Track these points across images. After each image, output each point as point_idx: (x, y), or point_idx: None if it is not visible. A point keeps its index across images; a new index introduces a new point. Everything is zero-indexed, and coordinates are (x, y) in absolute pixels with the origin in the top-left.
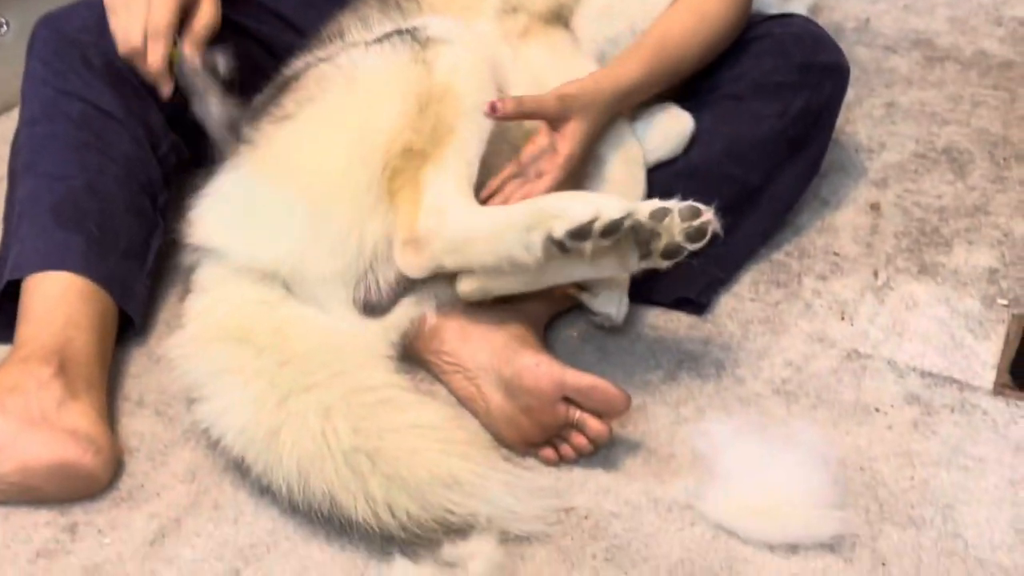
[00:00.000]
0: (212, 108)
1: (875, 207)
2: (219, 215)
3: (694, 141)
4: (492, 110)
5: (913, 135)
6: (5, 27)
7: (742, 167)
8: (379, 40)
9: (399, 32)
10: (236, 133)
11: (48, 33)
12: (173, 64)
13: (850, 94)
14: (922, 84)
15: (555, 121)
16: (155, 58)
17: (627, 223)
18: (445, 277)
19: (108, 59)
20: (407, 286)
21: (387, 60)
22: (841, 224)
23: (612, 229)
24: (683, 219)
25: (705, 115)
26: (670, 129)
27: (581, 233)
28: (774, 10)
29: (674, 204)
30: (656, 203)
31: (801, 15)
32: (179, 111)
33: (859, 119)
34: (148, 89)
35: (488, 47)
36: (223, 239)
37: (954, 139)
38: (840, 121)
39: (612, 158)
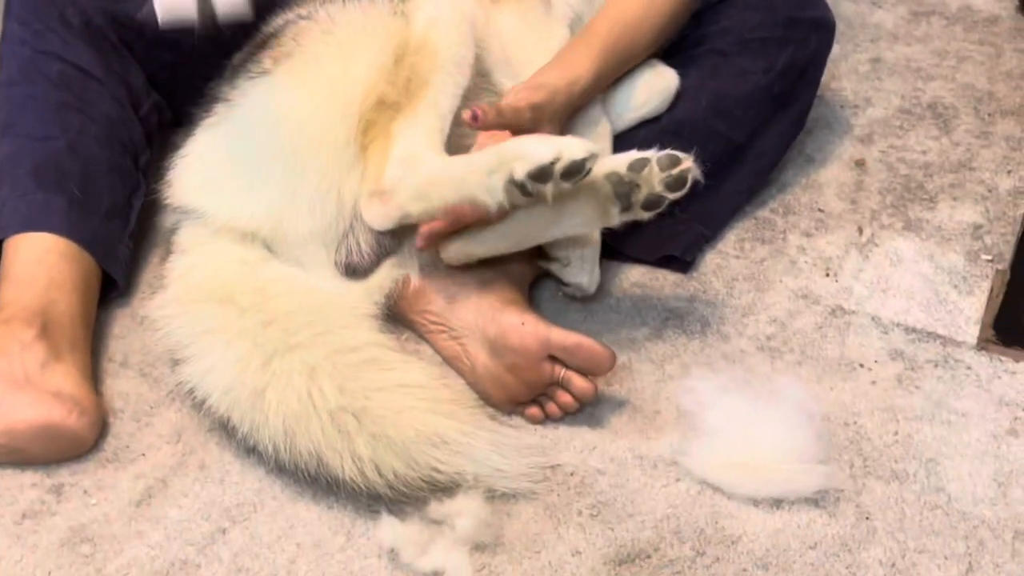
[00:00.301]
0: None
1: (860, 163)
2: (197, 175)
3: (679, 98)
4: (473, 119)
5: (898, 91)
6: None
7: (727, 123)
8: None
9: None
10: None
11: None
12: None
13: (835, 49)
14: (907, 39)
15: (528, 129)
16: None
17: (589, 164)
18: None
19: (87, 18)
20: (389, 248)
21: (365, 12)
22: (826, 180)
23: (574, 171)
24: (662, 168)
25: (691, 71)
26: (655, 86)
27: (542, 174)
28: None
29: (652, 154)
30: (635, 154)
31: None
32: (161, 71)
33: (844, 75)
34: (128, 48)
35: (467, 4)
36: (202, 199)
37: (939, 94)
38: (825, 77)
39: (581, 133)
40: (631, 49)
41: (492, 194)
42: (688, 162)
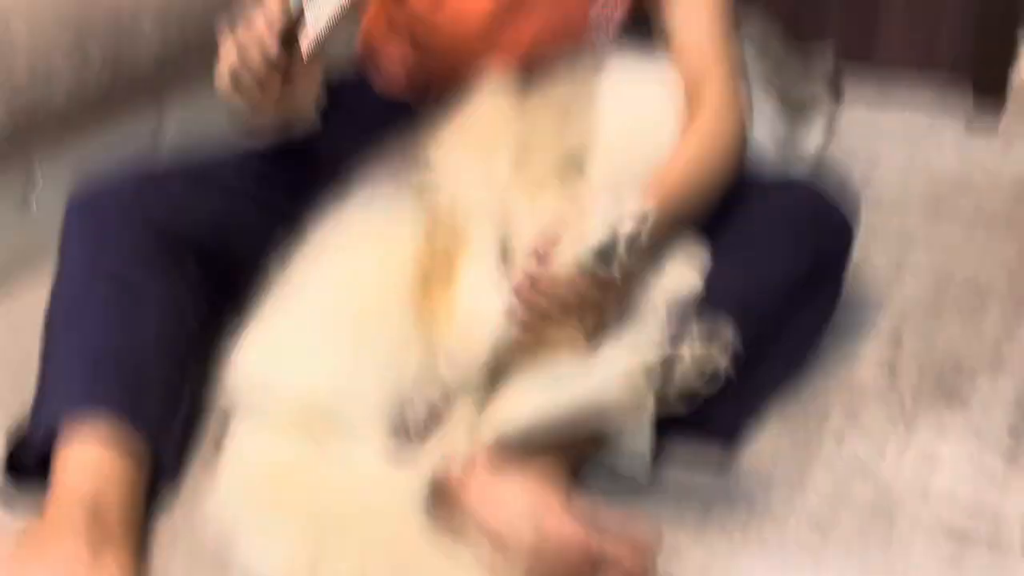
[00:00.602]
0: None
1: (897, 342)
2: (256, 354)
3: (707, 293)
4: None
5: (931, 268)
6: (40, 184)
7: (756, 315)
8: (389, 176)
9: (397, 177)
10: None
11: (80, 207)
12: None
13: (865, 225)
14: (935, 219)
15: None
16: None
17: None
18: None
19: (145, 218)
20: (440, 418)
21: (395, 188)
22: (864, 359)
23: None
24: (695, 361)
25: (720, 254)
26: (682, 279)
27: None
28: (780, 154)
29: (691, 328)
30: (672, 328)
31: (804, 168)
32: (209, 280)
33: (875, 253)
34: (184, 252)
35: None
36: (261, 376)
37: (973, 273)
38: (857, 255)
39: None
40: (675, 213)
41: None
42: (727, 334)
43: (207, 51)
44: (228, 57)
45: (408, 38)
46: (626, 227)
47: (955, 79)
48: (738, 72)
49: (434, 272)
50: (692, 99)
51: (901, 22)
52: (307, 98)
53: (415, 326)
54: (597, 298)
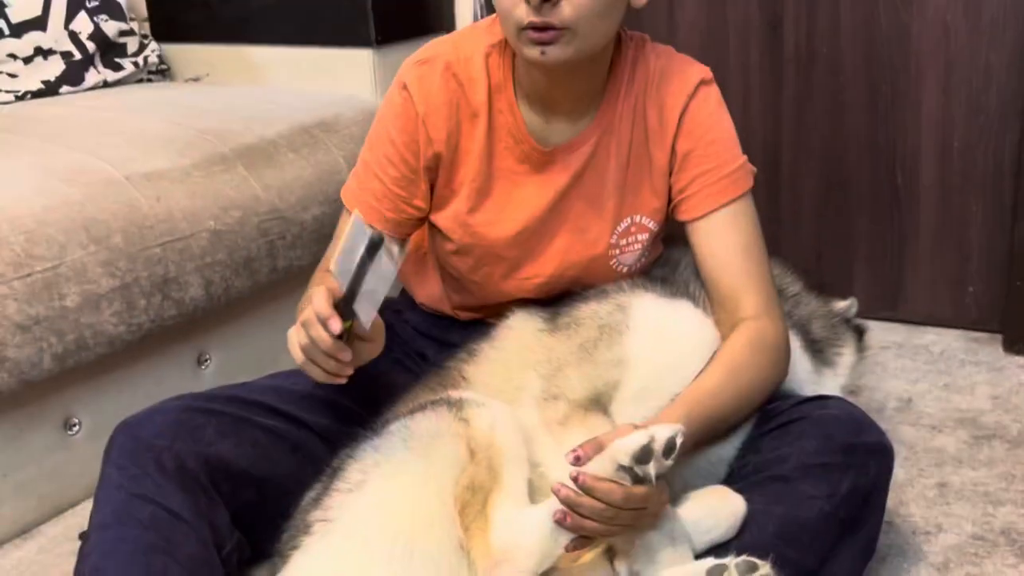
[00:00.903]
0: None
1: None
2: None
3: (746, 523)
4: (576, 459)
5: (969, 516)
6: (77, 426)
7: (796, 549)
8: (421, 407)
9: (434, 401)
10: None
11: (125, 439)
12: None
13: (900, 474)
14: (972, 463)
15: None
16: (330, 332)
17: (679, 439)
18: None
19: (180, 462)
20: None
21: (432, 420)
22: None
23: (670, 447)
24: (741, 572)
25: (755, 497)
26: (721, 510)
27: (644, 454)
28: (808, 390)
29: (730, 560)
30: (713, 561)
31: (837, 395)
32: (248, 512)
33: (912, 500)
34: (216, 489)
35: (512, 415)
36: None
37: (1011, 519)
38: (893, 502)
39: (658, 542)
40: (716, 411)
41: None
42: (766, 568)
43: (246, 298)
44: (299, 337)
45: (445, 267)
46: (663, 432)
47: (983, 331)
48: (774, 286)
49: (470, 508)
50: (729, 314)
51: (926, 280)
52: (374, 350)
53: (454, 559)
54: (636, 500)
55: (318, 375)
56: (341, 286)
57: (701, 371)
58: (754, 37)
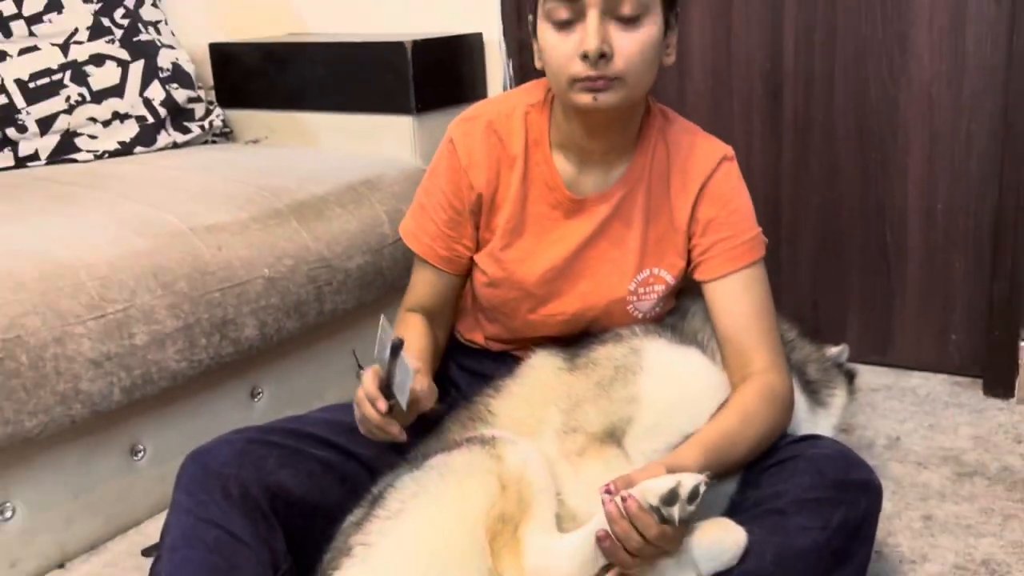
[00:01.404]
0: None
1: None
2: None
3: (747, 553)
4: (607, 491)
5: (952, 547)
6: (142, 452)
7: (794, 570)
8: (457, 444)
9: (469, 440)
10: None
11: (195, 468)
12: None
13: (888, 507)
14: (955, 498)
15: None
16: (376, 412)
17: (702, 488)
18: None
19: (244, 489)
20: None
21: (468, 456)
22: None
23: (694, 494)
24: None
25: (755, 528)
26: (725, 540)
27: (671, 497)
28: (803, 428)
29: None
30: None
31: (829, 436)
32: (298, 536)
33: (899, 531)
34: (275, 514)
35: (541, 453)
36: None
37: (991, 551)
38: (882, 533)
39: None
40: (728, 455)
41: None
42: None
43: (295, 338)
44: (358, 416)
45: (480, 299)
46: (689, 480)
47: (965, 375)
48: (781, 343)
49: (500, 536)
50: (738, 370)
51: (913, 329)
52: (425, 407)
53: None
54: (665, 539)
55: (375, 439)
56: (382, 372)
57: (715, 415)
58: (756, 105)
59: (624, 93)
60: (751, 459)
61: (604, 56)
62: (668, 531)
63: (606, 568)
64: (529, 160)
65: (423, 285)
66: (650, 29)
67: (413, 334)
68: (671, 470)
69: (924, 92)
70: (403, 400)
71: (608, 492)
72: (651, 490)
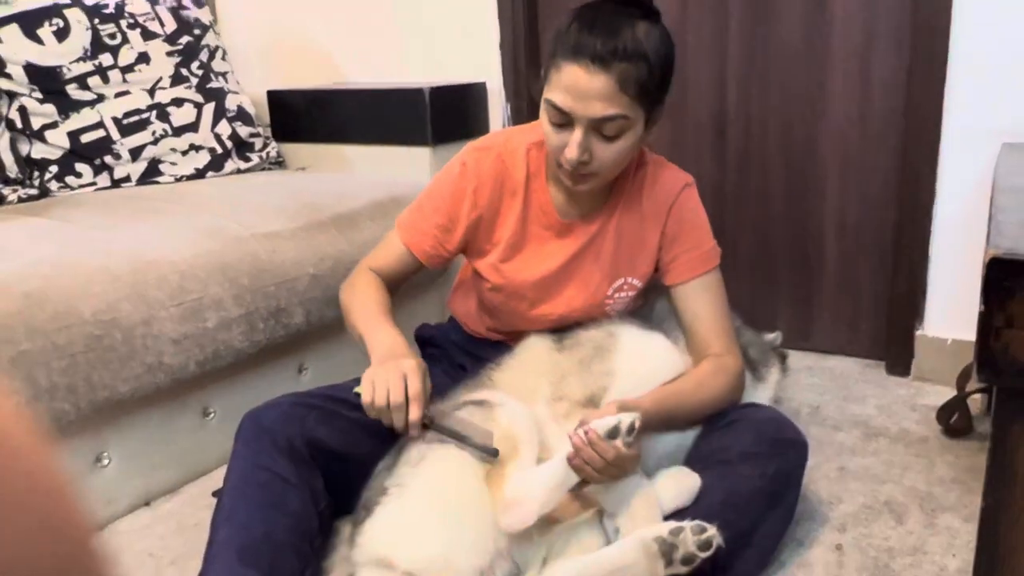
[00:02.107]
0: (469, 437)
1: (839, 547)
2: (384, 533)
3: (700, 495)
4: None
5: (861, 492)
6: (213, 414)
7: (736, 514)
8: (459, 407)
9: (467, 402)
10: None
11: (250, 424)
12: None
13: (811, 460)
14: (863, 453)
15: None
16: (416, 416)
17: (636, 423)
18: None
19: (289, 442)
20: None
21: (470, 418)
22: (814, 560)
23: (631, 427)
24: (694, 533)
25: (706, 476)
26: (682, 484)
27: (615, 431)
28: (746, 398)
29: (687, 523)
30: (673, 523)
31: (766, 404)
32: (335, 480)
33: (819, 480)
34: (315, 460)
35: (527, 411)
36: (388, 550)
37: (892, 494)
38: (806, 480)
39: (636, 503)
40: (678, 407)
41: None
42: (713, 530)
43: (334, 324)
44: (377, 394)
45: (483, 299)
46: (626, 418)
47: (871, 358)
48: (735, 333)
49: (493, 474)
50: (700, 352)
51: (830, 320)
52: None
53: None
54: (620, 459)
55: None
56: (443, 425)
57: (674, 380)
58: (705, 141)
59: (599, 181)
60: (699, 417)
61: (583, 162)
62: (625, 453)
63: (580, 485)
64: (529, 189)
65: (395, 260)
66: (628, 139)
67: (380, 293)
68: (622, 409)
69: (839, 131)
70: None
71: (582, 424)
72: (600, 425)
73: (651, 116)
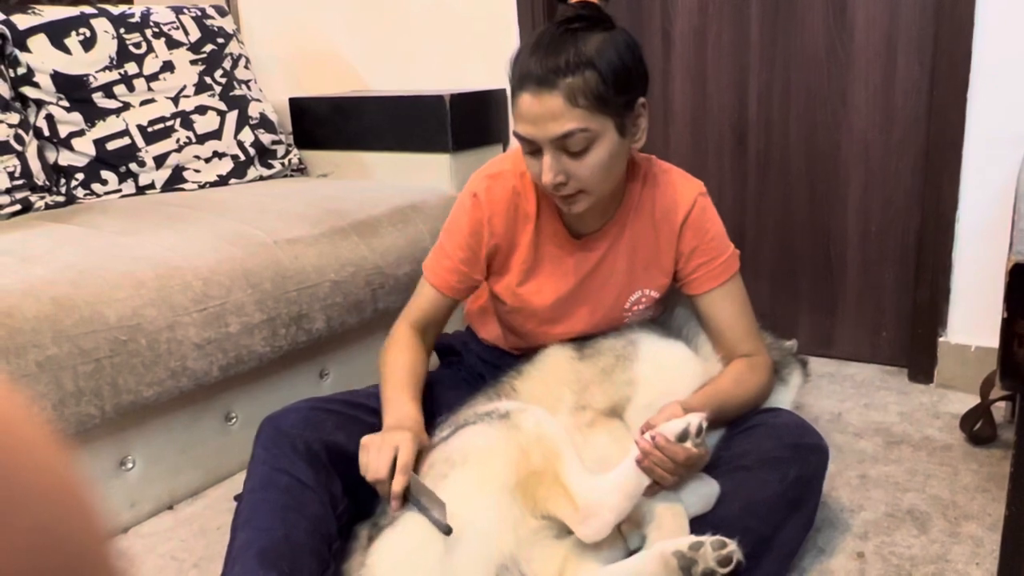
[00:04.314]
0: (429, 510)
1: (860, 555)
2: (388, 555)
3: (720, 501)
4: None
5: (883, 500)
6: (235, 419)
7: (756, 520)
8: (478, 417)
9: (487, 413)
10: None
11: (270, 428)
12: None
13: (832, 468)
14: (885, 461)
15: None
16: (399, 487)
17: (704, 424)
18: None
19: (309, 445)
20: None
21: (487, 432)
22: (836, 568)
23: (700, 429)
24: (714, 549)
25: (726, 481)
26: (702, 491)
27: (684, 435)
28: (767, 401)
29: (707, 538)
30: (694, 537)
31: (786, 409)
32: (352, 484)
33: (841, 487)
34: (334, 465)
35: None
36: (392, 572)
37: (914, 502)
38: (826, 487)
39: (663, 512)
40: (723, 408)
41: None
42: (733, 545)
43: (355, 330)
44: (371, 464)
45: (502, 320)
46: (694, 419)
47: (893, 365)
48: (760, 335)
49: (543, 476)
50: (731, 354)
51: (851, 327)
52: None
53: (514, 512)
54: (691, 459)
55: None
56: (416, 496)
57: (713, 379)
58: (726, 148)
59: (591, 199)
60: (740, 414)
61: (562, 183)
62: (695, 453)
63: (652, 488)
64: (540, 212)
65: (429, 305)
66: (600, 151)
67: (409, 355)
68: (684, 409)
69: (862, 138)
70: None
71: (642, 432)
72: (670, 429)
73: (622, 122)
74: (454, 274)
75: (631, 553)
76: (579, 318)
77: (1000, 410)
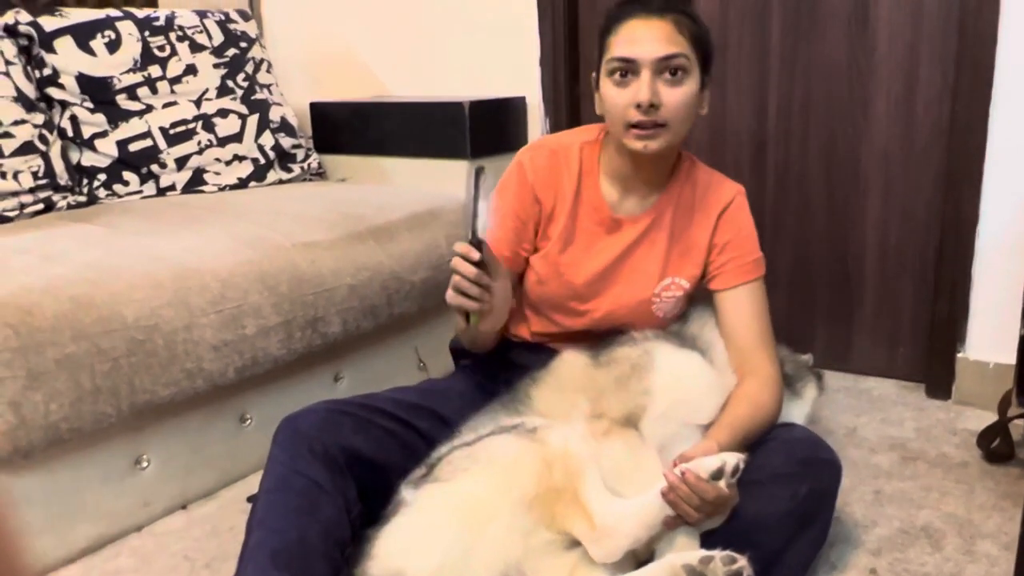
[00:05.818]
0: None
1: (873, 572)
2: (398, 545)
3: (731, 514)
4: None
5: (897, 516)
6: (250, 420)
7: (766, 535)
8: (504, 430)
9: (514, 426)
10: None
11: (287, 430)
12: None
13: (846, 483)
14: (900, 477)
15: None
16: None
17: (742, 465)
18: None
19: (326, 448)
20: None
21: (514, 441)
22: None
23: (736, 470)
24: (724, 564)
25: (738, 496)
26: None
27: (719, 473)
28: (783, 417)
29: (717, 553)
30: (704, 552)
31: (799, 424)
32: (367, 488)
33: (855, 502)
34: (350, 468)
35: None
36: (402, 561)
37: (929, 519)
38: (840, 503)
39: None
40: (745, 435)
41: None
42: (743, 561)
43: (370, 334)
44: (450, 285)
45: (530, 294)
46: (732, 460)
47: (910, 380)
48: (775, 342)
49: (563, 493)
50: (741, 364)
51: (868, 341)
52: (503, 308)
53: (527, 522)
54: (719, 499)
55: (470, 305)
56: (466, 230)
57: (729, 406)
58: (745, 156)
59: (668, 139)
60: (756, 438)
61: (654, 105)
62: (724, 494)
63: (674, 522)
64: (581, 185)
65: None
66: (691, 85)
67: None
68: (705, 451)
69: (881, 148)
70: (484, 230)
71: (675, 465)
72: (704, 466)
73: (705, 72)
74: (504, 243)
75: (640, 565)
76: (608, 298)
77: (1018, 428)
